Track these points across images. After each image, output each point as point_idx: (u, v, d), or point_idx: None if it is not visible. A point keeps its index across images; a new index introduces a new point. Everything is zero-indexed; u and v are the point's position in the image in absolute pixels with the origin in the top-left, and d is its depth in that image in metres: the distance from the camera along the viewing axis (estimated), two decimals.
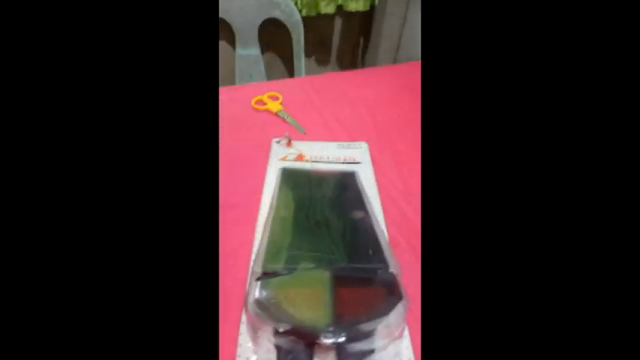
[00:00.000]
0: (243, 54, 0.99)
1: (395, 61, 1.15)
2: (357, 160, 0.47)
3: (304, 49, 1.01)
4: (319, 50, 1.16)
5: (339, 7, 1.03)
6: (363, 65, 1.24)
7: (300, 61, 1.00)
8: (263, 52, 1.03)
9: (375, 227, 0.32)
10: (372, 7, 1.06)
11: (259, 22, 0.95)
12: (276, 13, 0.95)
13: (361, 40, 1.20)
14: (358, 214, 0.34)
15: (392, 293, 0.24)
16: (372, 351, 0.23)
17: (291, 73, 1.11)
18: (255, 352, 0.26)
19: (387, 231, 0.38)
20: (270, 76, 1.09)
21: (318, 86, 0.62)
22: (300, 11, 0.96)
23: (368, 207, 0.36)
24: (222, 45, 1.01)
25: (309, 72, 1.14)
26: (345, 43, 1.18)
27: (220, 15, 0.90)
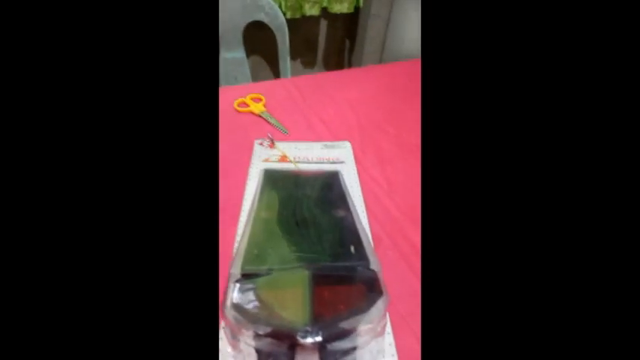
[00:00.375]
0: (228, 57, 0.99)
1: (380, 61, 1.16)
2: (340, 160, 0.47)
3: (290, 52, 1.01)
4: (305, 52, 1.16)
5: (324, 10, 1.04)
6: (349, 66, 1.25)
7: (286, 63, 0.99)
8: (248, 55, 1.02)
9: (357, 225, 0.32)
10: (357, 9, 1.06)
11: (243, 24, 0.95)
12: (261, 16, 0.95)
13: (347, 42, 1.21)
14: (340, 213, 0.34)
15: (372, 290, 0.24)
16: (354, 348, 0.23)
17: (277, 76, 1.11)
18: (235, 357, 0.25)
19: (371, 229, 0.38)
20: (256, 78, 1.08)
21: (301, 87, 0.62)
22: (284, 14, 0.97)
23: (351, 205, 0.36)
24: None
25: (295, 74, 1.14)
26: (331, 45, 1.18)
27: None
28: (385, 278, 0.32)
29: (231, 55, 0.98)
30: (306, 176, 0.42)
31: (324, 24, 1.13)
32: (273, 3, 0.93)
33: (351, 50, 1.21)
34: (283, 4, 0.96)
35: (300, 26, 1.06)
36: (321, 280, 0.25)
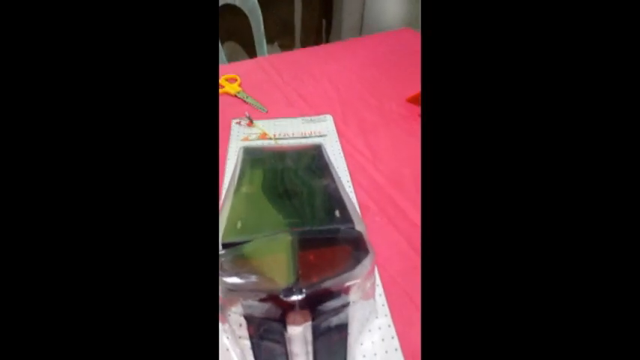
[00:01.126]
0: None
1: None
2: (322, 134, 0.46)
3: (266, 35, 0.98)
4: (282, 35, 1.13)
5: None
6: None
7: (262, 47, 0.97)
8: (223, 41, 0.99)
9: (341, 191, 0.31)
10: None
11: None
12: None
13: (324, 21, 1.18)
14: (324, 182, 0.33)
15: (357, 249, 0.24)
16: (344, 306, 0.23)
17: None
18: (225, 331, 0.25)
19: (357, 197, 0.37)
20: None
21: (278, 65, 0.60)
22: None
23: (334, 175, 0.35)
24: None
25: None
26: (308, 25, 1.16)
27: None
28: (374, 242, 0.32)
29: None
30: (287, 150, 0.41)
31: (298, 3, 1.10)
32: None
33: (330, 29, 1.19)
34: None
35: (274, 8, 1.03)
36: (306, 244, 0.24)
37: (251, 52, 1.10)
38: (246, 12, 0.93)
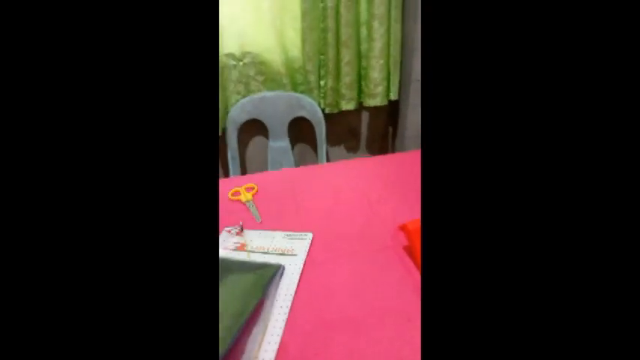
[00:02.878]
0: (275, 146, 1.14)
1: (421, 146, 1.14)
2: (294, 252, 0.47)
3: (333, 139, 1.10)
4: (348, 138, 1.24)
5: (360, 104, 1.13)
6: (393, 151, 1.26)
7: (322, 152, 1.09)
8: (293, 143, 1.16)
9: (251, 340, 0.30)
10: (390, 101, 1.12)
11: (289, 119, 1.10)
12: (303, 112, 1.09)
13: (389, 128, 1.25)
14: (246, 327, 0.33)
15: None
16: None
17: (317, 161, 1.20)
18: None
19: (282, 338, 0.35)
20: (299, 163, 1.19)
21: (295, 178, 0.66)
22: (323, 110, 1.09)
23: (266, 313, 0.35)
24: (258, 139, 1.18)
25: (335, 159, 1.22)
26: (373, 132, 1.24)
27: (255, 116, 1.08)
28: None
29: (277, 145, 1.13)
30: (245, 267, 0.43)
31: (366, 114, 1.21)
32: (313, 102, 1.07)
33: (395, 135, 1.24)
34: (322, 102, 1.09)
35: (343, 115, 1.16)
36: None
37: (317, 153, 1.23)
38: (314, 123, 1.09)
